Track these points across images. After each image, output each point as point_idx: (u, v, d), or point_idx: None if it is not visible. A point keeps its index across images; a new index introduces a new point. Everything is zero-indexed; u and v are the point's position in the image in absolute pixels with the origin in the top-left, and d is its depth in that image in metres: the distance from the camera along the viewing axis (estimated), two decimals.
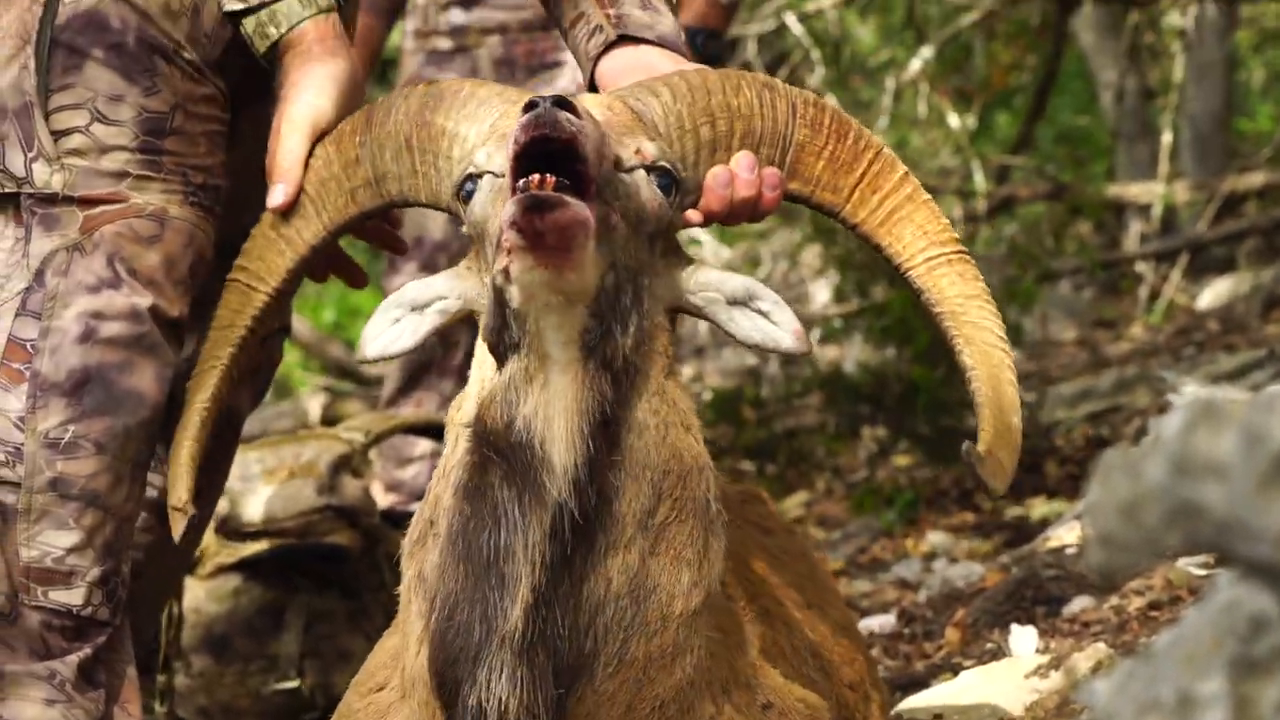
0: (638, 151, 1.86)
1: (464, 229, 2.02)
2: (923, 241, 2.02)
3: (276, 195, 2.09)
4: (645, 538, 1.86)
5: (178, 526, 2.13)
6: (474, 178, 1.89)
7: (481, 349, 1.94)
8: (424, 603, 1.89)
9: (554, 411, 1.78)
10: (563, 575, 1.79)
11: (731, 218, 2.04)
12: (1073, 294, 7.53)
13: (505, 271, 1.69)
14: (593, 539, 1.82)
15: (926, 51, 8.83)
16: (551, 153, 1.64)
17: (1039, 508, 4.43)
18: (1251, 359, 5.64)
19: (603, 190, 1.74)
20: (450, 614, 1.82)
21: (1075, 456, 4.76)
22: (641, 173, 1.87)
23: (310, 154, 2.12)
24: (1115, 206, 7.88)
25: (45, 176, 2.14)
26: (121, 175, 2.15)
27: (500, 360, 1.83)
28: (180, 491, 2.09)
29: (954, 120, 8.26)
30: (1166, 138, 8.24)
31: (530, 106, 1.65)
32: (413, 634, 1.93)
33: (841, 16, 9.53)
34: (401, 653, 2.00)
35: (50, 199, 2.15)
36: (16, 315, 2.12)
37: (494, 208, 1.81)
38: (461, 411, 1.94)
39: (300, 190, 2.09)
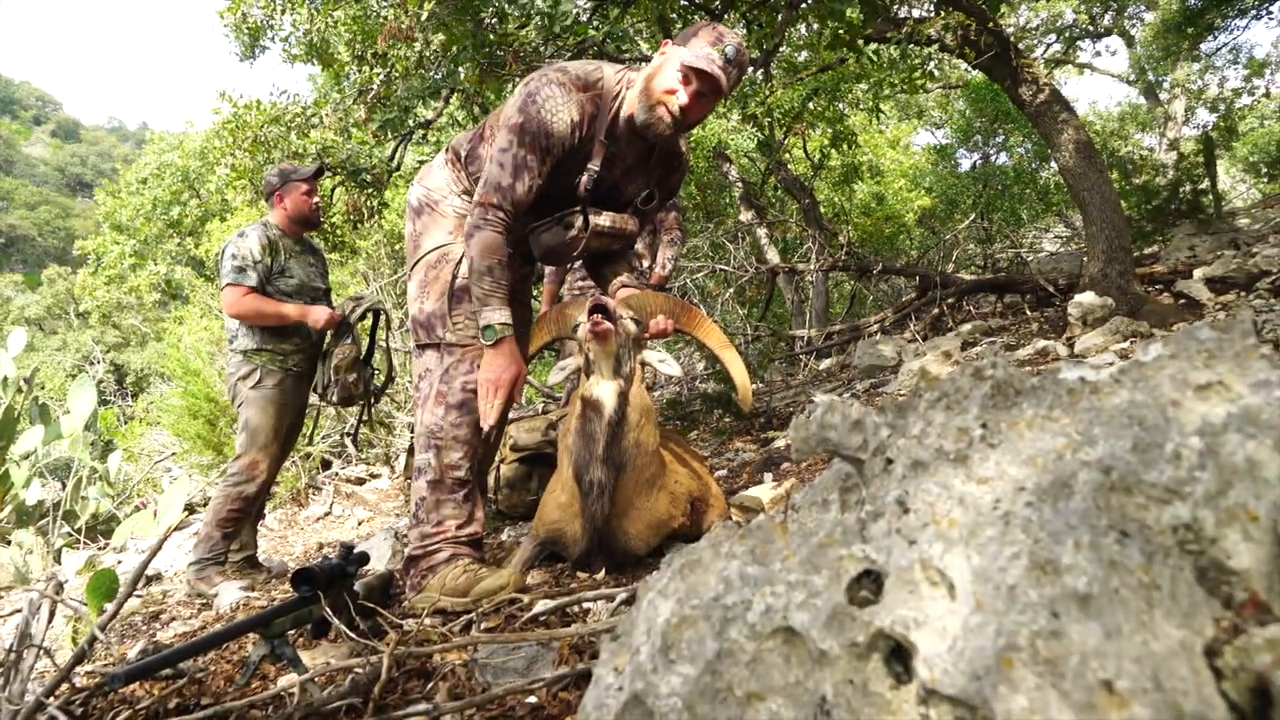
0: (629, 314, 2.88)
1: (574, 342, 3.03)
2: (716, 341, 3.06)
3: (498, 402, 2.79)
4: (639, 427, 2.80)
5: (486, 429, 2.82)
6: (579, 325, 2.91)
7: (581, 379, 2.90)
8: (568, 454, 2.85)
9: (606, 392, 2.77)
10: (613, 438, 2.74)
11: (659, 336, 3.00)
12: (780, 365, 9.55)
13: (589, 348, 2.82)
14: (622, 428, 2.76)
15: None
16: (601, 309, 2.75)
17: (773, 434, 5.78)
18: (836, 386, 7.25)
19: (617, 323, 2.77)
20: (578, 453, 2.77)
21: (783, 417, 6.27)
22: (629, 320, 2.87)
23: (511, 387, 2.81)
24: (791, 337, 10.21)
25: (451, 337, 2.93)
26: (474, 337, 2.93)
27: (588, 376, 2.83)
28: (492, 419, 2.80)
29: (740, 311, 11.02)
30: (807, 319, 11.47)
31: (595, 299, 2.78)
32: (564, 465, 2.91)
33: None
34: (560, 475, 2.97)
35: (451, 344, 2.94)
36: (440, 381, 2.91)
37: (582, 332, 2.85)
38: (577, 397, 2.88)
39: (505, 404, 2.79)
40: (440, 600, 2.69)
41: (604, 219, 3.01)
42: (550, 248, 3.07)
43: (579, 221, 3.00)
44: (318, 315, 4.40)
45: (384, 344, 4.95)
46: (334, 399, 4.45)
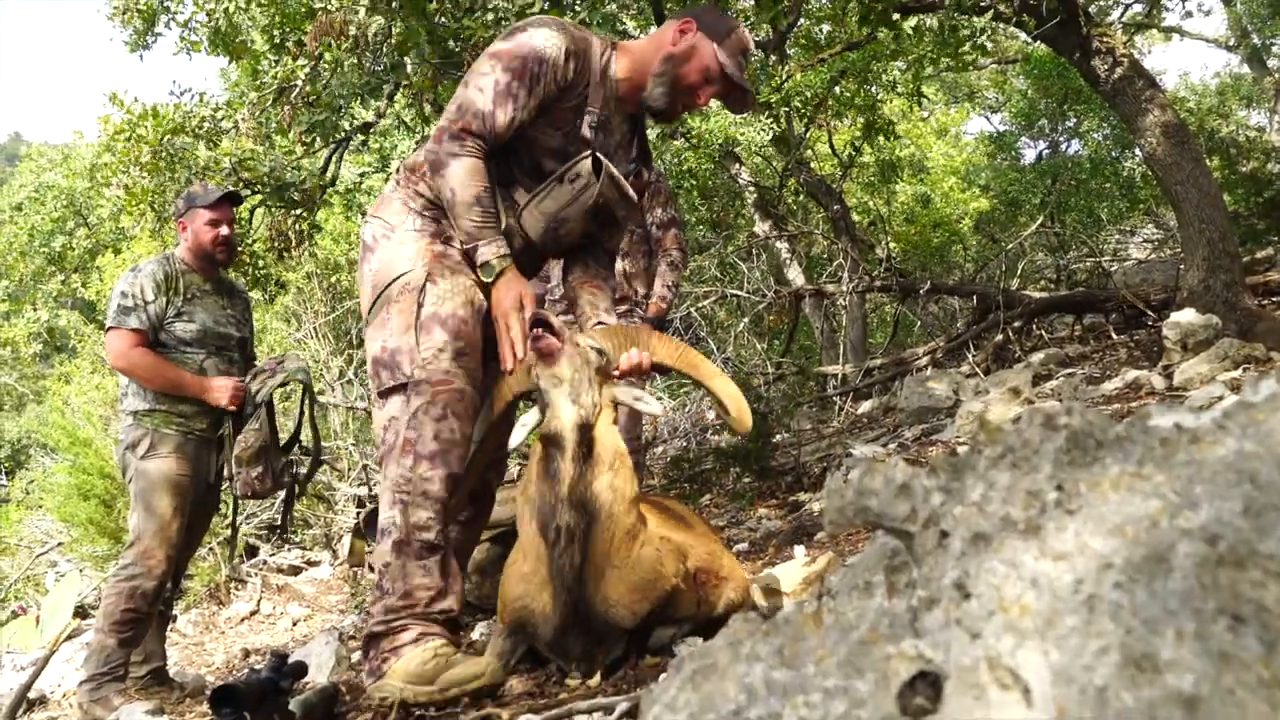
0: (590, 342, 2.98)
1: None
2: (705, 371, 3.16)
3: (512, 332, 3.04)
4: (613, 469, 2.86)
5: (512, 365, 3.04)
6: (531, 368, 2.96)
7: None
8: (530, 507, 2.91)
9: (565, 421, 2.84)
10: (579, 482, 2.79)
11: (635, 373, 3.10)
12: (809, 410, 9.67)
13: (536, 374, 2.92)
14: (592, 470, 2.82)
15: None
16: (541, 322, 2.85)
17: (804, 496, 6.17)
18: (879, 434, 7.79)
19: (565, 341, 2.88)
20: (542, 500, 2.83)
21: (815, 476, 6.57)
22: (589, 348, 2.96)
23: (519, 311, 3.03)
24: (822, 375, 10.55)
25: (420, 373, 2.99)
26: (448, 372, 3.00)
27: (543, 413, 2.91)
28: (519, 350, 3.02)
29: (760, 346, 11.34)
30: (840, 353, 11.59)
31: (534, 314, 2.89)
32: (525, 524, 2.94)
33: None
34: (521, 540, 2.99)
35: (420, 382, 2.98)
36: (407, 428, 2.96)
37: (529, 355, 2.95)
38: (537, 434, 2.96)
39: (518, 337, 3.01)
40: (403, 690, 2.70)
41: (612, 165, 3.20)
42: (553, 215, 3.20)
43: (586, 168, 3.16)
44: (219, 392, 4.44)
45: (310, 420, 4.89)
46: (236, 493, 4.47)
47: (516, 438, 3.13)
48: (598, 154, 3.17)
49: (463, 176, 3.01)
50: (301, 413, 4.70)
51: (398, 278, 3.10)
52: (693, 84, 3.16)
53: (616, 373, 3.05)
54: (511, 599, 2.97)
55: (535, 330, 2.81)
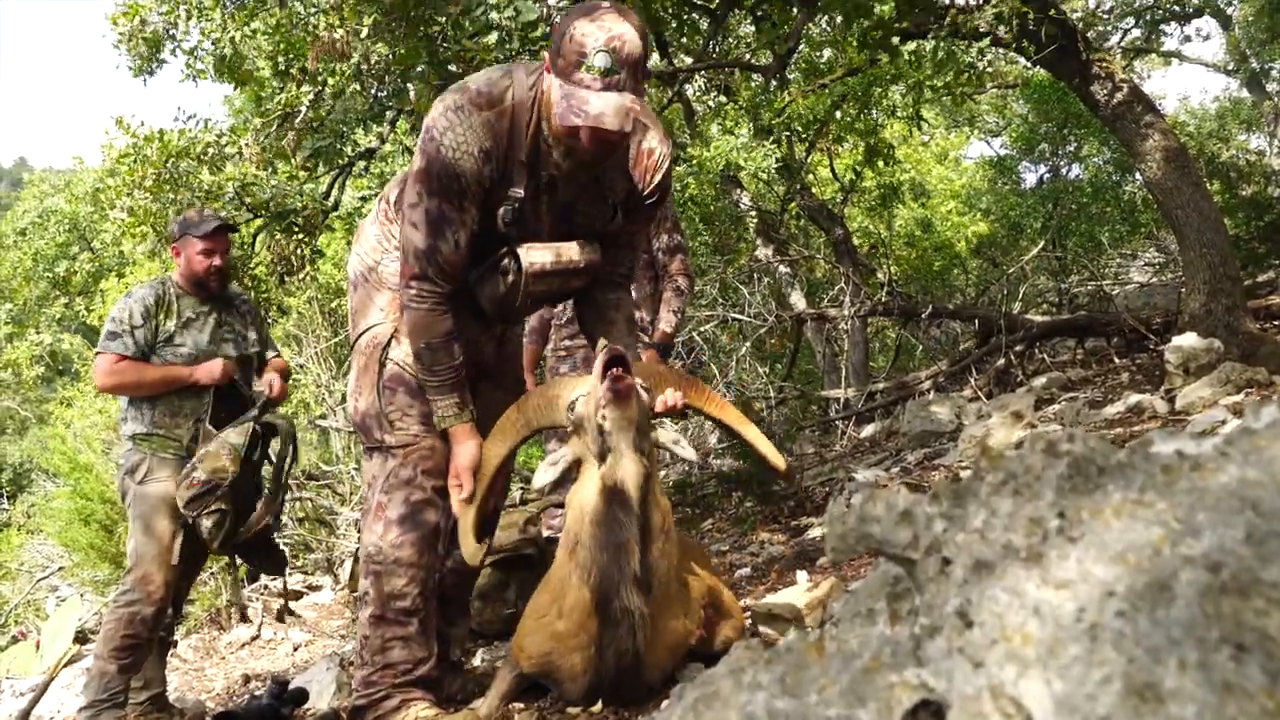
0: (639, 381, 2.74)
1: (568, 427, 2.87)
2: (731, 415, 3.15)
3: (464, 494, 2.93)
4: (665, 535, 2.74)
5: (475, 558, 2.98)
6: (574, 404, 2.79)
7: (583, 474, 2.80)
8: (583, 570, 2.69)
9: (629, 474, 2.63)
10: (645, 551, 2.63)
11: (669, 413, 2.93)
12: (811, 434, 9.63)
13: (603, 415, 2.64)
14: (650, 535, 2.66)
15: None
16: (620, 360, 2.61)
17: (807, 521, 5.96)
18: (882, 458, 7.51)
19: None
20: (605, 569, 2.63)
21: (818, 501, 6.37)
22: (642, 388, 2.76)
23: (473, 471, 2.92)
24: (824, 399, 10.43)
25: (391, 439, 3.04)
26: (416, 435, 3.03)
27: (602, 461, 2.67)
28: (470, 546, 2.93)
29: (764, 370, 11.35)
30: (842, 377, 11.41)
31: (610, 350, 2.63)
32: (572, 585, 2.73)
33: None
34: (558, 599, 2.80)
35: (392, 447, 3.04)
36: (380, 492, 3.01)
37: (586, 407, 2.72)
38: (592, 485, 2.71)
39: (474, 493, 2.91)
40: None
41: (541, 255, 2.94)
42: (496, 303, 3.05)
43: (512, 265, 2.95)
44: (210, 368, 4.48)
45: (272, 481, 4.73)
46: (183, 505, 4.24)
47: (544, 477, 2.92)
48: (515, 251, 2.92)
49: (411, 330, 2.93)
50: (278, 472, 4.63)
51: (369, 329, 3.12)
52: (567, 130, 2.72)
53: (654, 412, 2.89)
54: (536, 652, 2.87)
55: (614, 370, 2.58)
